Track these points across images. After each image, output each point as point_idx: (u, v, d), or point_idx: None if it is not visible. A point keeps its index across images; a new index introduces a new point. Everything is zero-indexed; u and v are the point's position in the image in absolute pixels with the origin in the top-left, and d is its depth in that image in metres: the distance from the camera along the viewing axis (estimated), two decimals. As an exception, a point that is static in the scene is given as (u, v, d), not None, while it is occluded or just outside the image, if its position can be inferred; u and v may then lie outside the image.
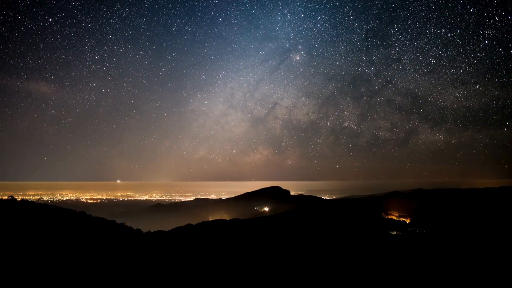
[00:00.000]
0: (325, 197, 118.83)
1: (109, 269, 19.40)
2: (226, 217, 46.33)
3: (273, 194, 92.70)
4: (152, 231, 33.83)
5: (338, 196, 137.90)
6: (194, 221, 42.76)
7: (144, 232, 32.44)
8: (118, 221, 33.67)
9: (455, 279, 23.83)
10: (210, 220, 42.96)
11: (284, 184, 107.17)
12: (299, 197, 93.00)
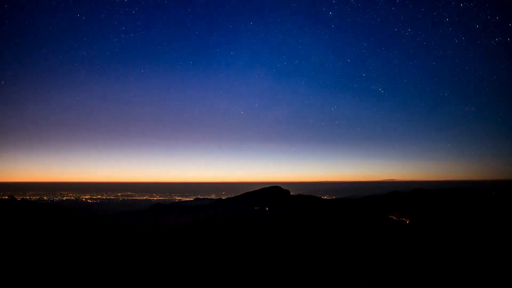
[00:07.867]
0: (325, 197, 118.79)
1: (110, 268, 19.40)
2: (226, 217, 46.27)
3: (273, 194, 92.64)
4: (152, 231, 33.86)
5: (338, 196, 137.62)
6: (193, 221, 42.78)
7: (144, 232, 32.48)
8: (118, 221, 33.71)
9: (453, 277, 23.82)
10: (210, 220, 42.96)
11: (284, 184, 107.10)
12: (299, 197, 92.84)
